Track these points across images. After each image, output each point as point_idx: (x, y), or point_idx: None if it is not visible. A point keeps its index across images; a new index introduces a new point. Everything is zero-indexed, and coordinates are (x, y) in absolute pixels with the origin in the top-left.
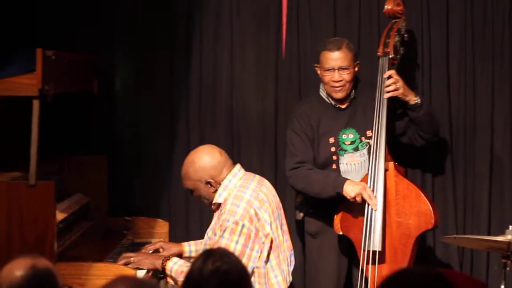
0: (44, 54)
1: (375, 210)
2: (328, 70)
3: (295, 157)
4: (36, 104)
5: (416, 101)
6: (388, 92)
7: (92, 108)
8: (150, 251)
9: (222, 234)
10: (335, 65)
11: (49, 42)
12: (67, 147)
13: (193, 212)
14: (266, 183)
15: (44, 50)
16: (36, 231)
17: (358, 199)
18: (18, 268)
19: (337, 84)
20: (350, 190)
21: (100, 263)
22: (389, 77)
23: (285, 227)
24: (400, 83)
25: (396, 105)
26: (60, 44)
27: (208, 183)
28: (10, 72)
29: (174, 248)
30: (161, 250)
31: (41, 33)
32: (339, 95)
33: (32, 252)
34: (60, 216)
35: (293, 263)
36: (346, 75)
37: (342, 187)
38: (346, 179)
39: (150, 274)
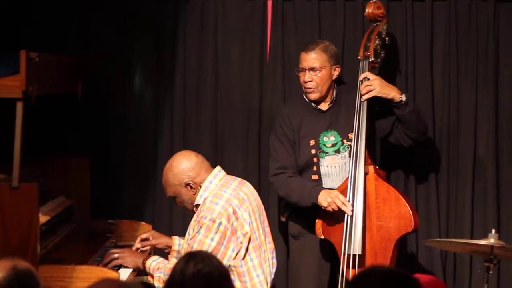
0: (28, 56)
1: (350, 216)
2: (301, 70)
3: (276, 162)
4: (19, 106)
5: (400, 99)
6: (363, 95)
7: (77, 110)
8: (141, 249)
9: (198, 230)
10: (306, 65)
11: (34, 44)
12: (51, 149)
13: (177, 215)
14: (247, 184)
15: (28, 52)
16: (19, 234)
17: (333, 206)
18: None
19: (306, 85)
20: (322, 200)
21: (83, 265)
22: (366, 79)
23: (268, 229)
24: (376, 82)
25: (378, 104)
26: (46, 46)
27: (187, 185)
28: None
29: (163, 239)
30: (150, 238)
31: (26, 35)
32: (311, 96)
33: (15, 254)
34: (43, 218)
35: (275, 265)
36: (316, 77)
37: (317, 197)
38: (321, 189)
39: (134, 274)
